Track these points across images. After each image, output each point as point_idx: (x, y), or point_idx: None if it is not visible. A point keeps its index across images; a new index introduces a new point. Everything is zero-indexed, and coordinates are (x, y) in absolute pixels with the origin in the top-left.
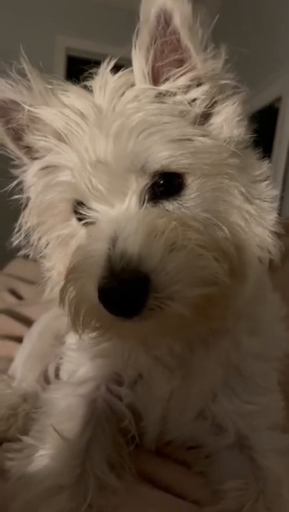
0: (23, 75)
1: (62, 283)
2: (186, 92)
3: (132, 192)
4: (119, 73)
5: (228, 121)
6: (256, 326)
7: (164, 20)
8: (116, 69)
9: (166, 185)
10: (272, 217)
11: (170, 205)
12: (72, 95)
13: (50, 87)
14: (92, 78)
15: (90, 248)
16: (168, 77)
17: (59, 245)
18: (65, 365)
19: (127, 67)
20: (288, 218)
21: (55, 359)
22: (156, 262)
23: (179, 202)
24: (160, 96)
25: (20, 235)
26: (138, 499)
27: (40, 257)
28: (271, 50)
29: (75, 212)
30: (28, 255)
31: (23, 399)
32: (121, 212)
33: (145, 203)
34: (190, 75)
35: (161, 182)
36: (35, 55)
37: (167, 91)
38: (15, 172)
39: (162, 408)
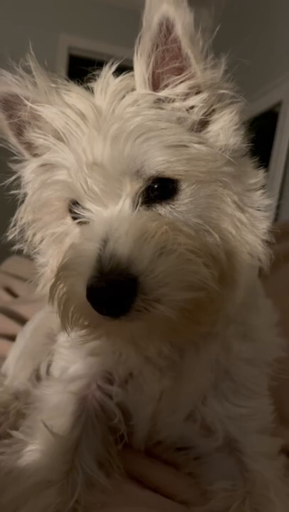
0: (28, 71)
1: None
2: (184, 99)
3: (125, 194)
4: (121, 77)
5: (225, 129)
6: (247, 332)
7: (166, 28)
8: (118, 70)
9: (160, 190)
10: (264, 226)
11: (163, 209)
12: (75, 95)
13: (54, 85)
14: (95, 79)
15: (81, 247)
16: (167, 84)
17: (53, 242)
18: (57, 362)
19: (130, 69)
20: (286, 223)
21: (47, 357)
22: (145, 265)
23: (172, 206)
24: (159, 102)
25: (15, 229)
26: (126, 498)
27: (35, 252)
28: (273, 54)
29: (70, 211)
30: (22, 251)
31: (15, 397)
32: (114, 214)
33: (138, 206)
34: (189, 82)
35: (156, 186)
36: (38, 53)
37: (166, 97)
38: (14, 167)
39: (152, 408)
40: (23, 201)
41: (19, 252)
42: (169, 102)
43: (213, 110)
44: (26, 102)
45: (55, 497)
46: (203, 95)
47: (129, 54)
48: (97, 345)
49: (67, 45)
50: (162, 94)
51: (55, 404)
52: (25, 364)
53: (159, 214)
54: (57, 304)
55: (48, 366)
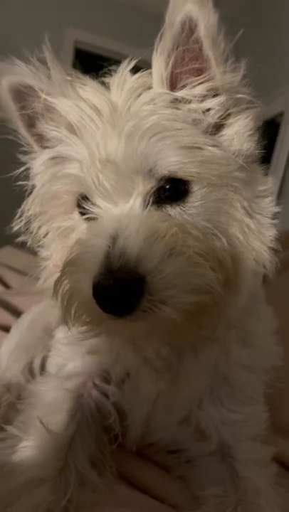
0: (43, 63)
1: (57, 274)
2: (201, 101)
3: (137, 193)
4: (138, 74)
5: (240, 134)
6: (247, 338)
7: (189, 27)
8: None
9: (171, 191)
10: (271, 233)
11: (173, 211)
12: (90, 90)
13: (69, 78)
14: (108, 75)
15: (89, 243)
16: (185, 84)
17: (58, 237)
18: (54, 359)
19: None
20: (285, 233)
21: (42, 352)
22: (153, 265)
23: (182, 208)
24: (175, 102)
25: (21, 221)
26: (116, 498)
27: (38, 246)
28: (276, 65)
29: (79, 206)
30: (23, 243)
31: (7, 388)
32: (124, 212)
33: (149, 206)
34: (207, 84)
35: (167, 187)
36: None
37: (183, 98)
38: (22, 158)
39: (148, 409)
40: (30, 193)
41: (18, 244)
42: (185, 102)
43: (229, 114)
44: (41, 93)
45: (47, 495)
46: (221, 98)
47: (131, 50)
48: (96, 344)
49: (74, 39)
50: (180, 94)
51: (51, 401)
52: (19, 356)
53: (169, 215)
54: (60, 299)
55: (43, 361)
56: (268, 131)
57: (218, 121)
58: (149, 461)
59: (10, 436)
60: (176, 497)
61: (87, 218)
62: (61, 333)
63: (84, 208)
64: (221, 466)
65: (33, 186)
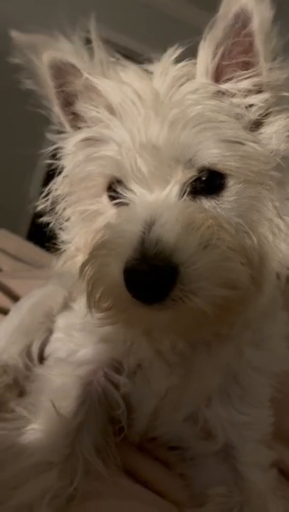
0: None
1: (79, 258)
2: (245, 96)
3: (174, 181)
4: (182, 63)
5: (279, 134)
6: (262, 340)
7: (243, 20)
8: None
9: (207, 183)
10: None
11: (207, 203)
12: (132, 73)
13: (112, 59)
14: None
15: (121, 228)
16: (230, 78)
17: (83, 220)
18: (65, 344)
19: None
20: None
21: (42, 336)
22: (188, 256)
23: (217, 202)
24: (218, 94)
25: (47, 200)
26: (118, 489)
27: (60, 228)
28: None
29: (109, 189)
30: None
31: (4, 370)
32: (159, 199)
33: (185, 195)
34: (253, 80)
35: (204, 178)
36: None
37: (227, 91)
38: (51, 137)
39: (156, 403)
40: (59, 173)
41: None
42: (229, 96)
43: (270, 112)
44: (83, 72)
45: (55, 481)
46: (265, 95)
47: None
48: (109, 332)
49: (85, 28)
50: (225, 87)
51: (60, 386)
52: (18, 339)
53: (204, 207)
54: (86, 283)
55: (42, 346)
56: None
57: (258, 118)
58: (149, 455)
59: (18, 417)
60: (178, 494)
61: (117, 203)
62: (62, 320)
63: (116, 192)
64: (223, 467)
65: (62, 166)
